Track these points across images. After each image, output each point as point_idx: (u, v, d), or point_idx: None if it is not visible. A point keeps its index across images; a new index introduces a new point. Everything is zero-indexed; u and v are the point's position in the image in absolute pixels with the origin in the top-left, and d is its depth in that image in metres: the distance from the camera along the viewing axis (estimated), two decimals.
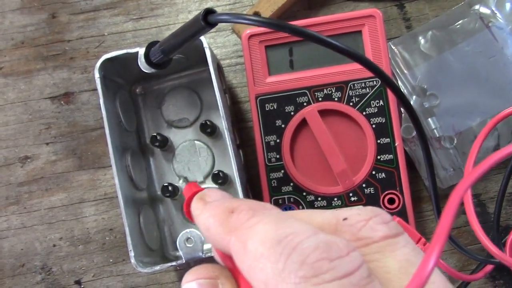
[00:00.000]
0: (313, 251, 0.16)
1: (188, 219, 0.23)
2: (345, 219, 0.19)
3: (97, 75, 0.37)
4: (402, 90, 0.41)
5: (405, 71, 0.42)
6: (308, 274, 0.15)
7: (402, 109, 0.41)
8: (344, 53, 0.28)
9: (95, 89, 0.45)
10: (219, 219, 0.20)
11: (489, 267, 0.40)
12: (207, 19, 0.29)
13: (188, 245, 0.35)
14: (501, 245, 0.41)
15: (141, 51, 0.36)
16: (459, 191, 0.16)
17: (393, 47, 0.43)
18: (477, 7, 0.43)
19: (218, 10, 0.43)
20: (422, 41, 0.43)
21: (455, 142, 0.41)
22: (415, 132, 0.41)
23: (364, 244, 0.18)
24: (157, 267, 0.36)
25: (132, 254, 0.36)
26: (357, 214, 0.19)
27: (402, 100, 0.32)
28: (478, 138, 0.39)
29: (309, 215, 0.20)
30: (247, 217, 0.19)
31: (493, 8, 0.42)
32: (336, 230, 0.19)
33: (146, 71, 0.37)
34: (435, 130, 0.41)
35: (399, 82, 0.42)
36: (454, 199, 0.16)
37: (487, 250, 0.37)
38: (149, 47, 0.36)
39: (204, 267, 0.20)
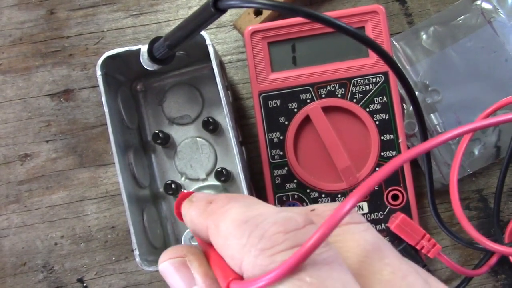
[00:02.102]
0: (271, 226, 0.17)
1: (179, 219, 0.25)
2: (313, 210, 0.21)
3: (99, 72, 0.37)
4: None
5: (407, 67, 0.42)
6: (266, 246, 0.17)
7: (404, 104, 0.41)
8: (360, 39, 0.27)
9: (95, 86, 0.44)
10: (200, 209, 0.22)
11: (492, 261, 0.40)
12: (217, 5, 0.28)
13: (192, 243, 0.35)
14: (502, 238, 0.41)
15: (143, 48, 0.36)
16: (397, 160, 0.18)
17: (395, 43, 0.42)
18: (478, 2, 0.43)
19: None
20: (424, 36, 0.43)
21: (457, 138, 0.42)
22: (417, 128, 0.41)
23: None
24: None
25: (137, 253, 0.36)
26: (324, 205, 0.21)
27: (410, 92, 0.32)
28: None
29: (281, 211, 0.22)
30: (223, 204, 0.21)
31: (495, 3, 0.42)
32: None
33: (148, 68, 0.36)
34: (437, 126, 0.42)
35: None
36: (392, 163, 0.18)
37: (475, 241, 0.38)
38: (152, 43, 0.36)
39: (174, 247, 0.22)
